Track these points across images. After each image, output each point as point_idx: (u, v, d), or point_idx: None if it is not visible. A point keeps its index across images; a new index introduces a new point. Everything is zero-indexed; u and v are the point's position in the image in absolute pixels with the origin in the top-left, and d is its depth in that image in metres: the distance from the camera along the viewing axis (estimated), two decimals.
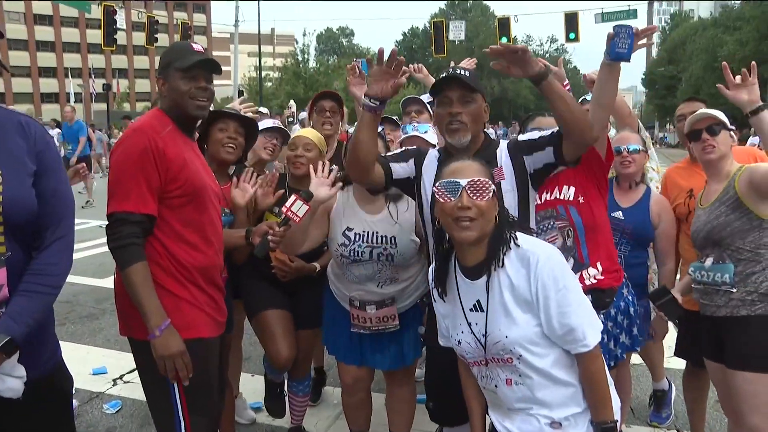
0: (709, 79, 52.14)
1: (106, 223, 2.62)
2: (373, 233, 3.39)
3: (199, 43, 2.99)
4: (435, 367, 3.12)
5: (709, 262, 3.12)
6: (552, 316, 2.22)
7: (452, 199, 2.27)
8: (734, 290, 3.03)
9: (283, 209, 3.13)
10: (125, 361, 5.29)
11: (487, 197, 2.25)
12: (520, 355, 2.25)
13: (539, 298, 2.22)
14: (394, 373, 3.68)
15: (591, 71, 3.54)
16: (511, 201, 2.77)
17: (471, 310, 2.36)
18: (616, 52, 2.78)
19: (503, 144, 2.98)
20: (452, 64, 4.33)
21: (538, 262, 2.23)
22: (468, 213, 2.24)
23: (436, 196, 2.32)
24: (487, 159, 2.81)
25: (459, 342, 2.42)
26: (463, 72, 2.88)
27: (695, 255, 3.32)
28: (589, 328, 2.26)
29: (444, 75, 2.89)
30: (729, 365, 3.07)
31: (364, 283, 3.46)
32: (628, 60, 2.78)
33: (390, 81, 2.66)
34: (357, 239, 3.40)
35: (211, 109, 3.25)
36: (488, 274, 2.30)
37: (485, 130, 3.09)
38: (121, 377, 5.32)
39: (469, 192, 2.25)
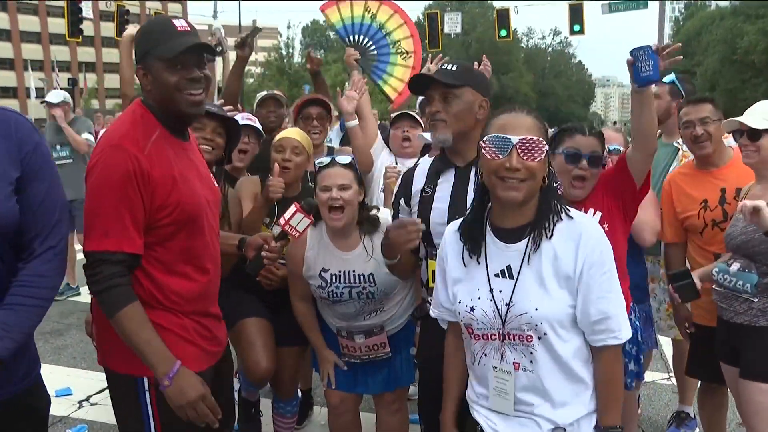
0: (727, 73, 52.39)
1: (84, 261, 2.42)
2: (349, 272, 3.39)
3: (181, 18, 2.60)
4: (428, 384, 3.10)
5: (735, 267, 3.17)
6: (591, 300, 2.18)
7: (500, 156, 2.19)
8: (755, 300, 3.10)
9: (281, 222, 2.97)
10: (92, 381, 5.27)
11: (539, 158, 2.19)
12: (545, 334, 2.18)
13: (582, 276, 2.19)
14: (384, 397, 3.68)
15: None
16: None
17: (497, 275, 2.28)
18: (642, 77, 2.79)
19: None
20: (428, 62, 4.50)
21: (590, 237, 2.21)
22: (517, 174, 2.19)
23: (483, 151, 2.25)
24: None
25: (472, 309, 2.30)
26: (449, 67, 2.91)
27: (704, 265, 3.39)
28: (625, 320, 2.24)
29: (418, 74, 2.99)
30: (743, 375, 3.14)
31: (349, 319, 3.50)
32: (658, 80, 2.81)
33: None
34: (334, 280, 3.40)
35: None
36: (531, 239, 2.23)
37: None
38: (87, 399, 5.29)
39: (519, 151, 2.18)
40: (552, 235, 2.22)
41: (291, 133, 3.92)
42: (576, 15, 23.59)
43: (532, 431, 2.25)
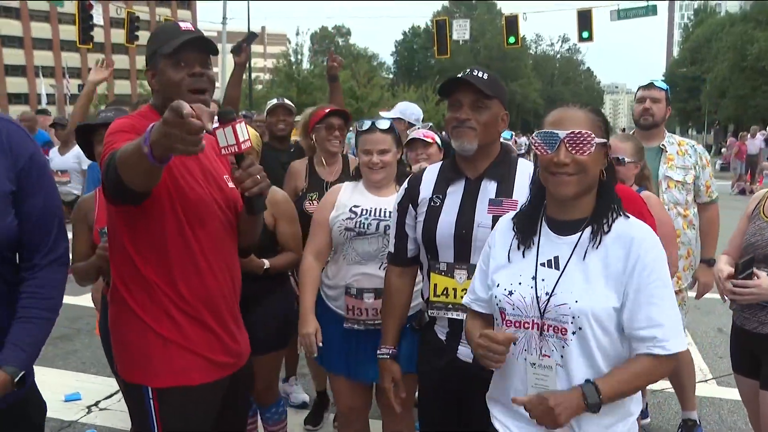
0: (737, 80, 52.26)
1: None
2: (380, 209, 3.47)
3: (187, 21, 2.69)
4: (428, 394, 3.03)
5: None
6: (641, 304, 2.10)
7: (549, 152, 2.18)
8: None
9: (233, 149, 2.28)
10: (102, 385, 5.27)
11: (588, 151, 2.15)
12: (581, 328, 2.13)
13: (634, 278, 2.11)
14: (389, 407, 3.63)
15: None
16: None
17: (542, 264, 2.24)
18: None
19: (527, 168, 2.82)
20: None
21: (644, 242, 2.15)
22: (566, 169, 2.16)
23: (534, 147, 2.23)
24: (499, 178, 2.79)
25: (510, 293, 2.25)
26: (480, 74, 2.77)
27: None
28: (677, 333, 2.13)
29: (457, 76, 2.79)
30: (763, 386, 3.08)
31: (366, 262, 3.46)
32: None
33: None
34: (364, 213, 3.49)
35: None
36: (591, 233, 2.19)
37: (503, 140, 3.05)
38: (96, 404, 5.28)
39: (567, 145, 2.16)
40: (609, 230, 2.19)
41: None
42: (585, 21, 23.55)
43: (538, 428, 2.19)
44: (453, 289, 2.78)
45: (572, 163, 2.15)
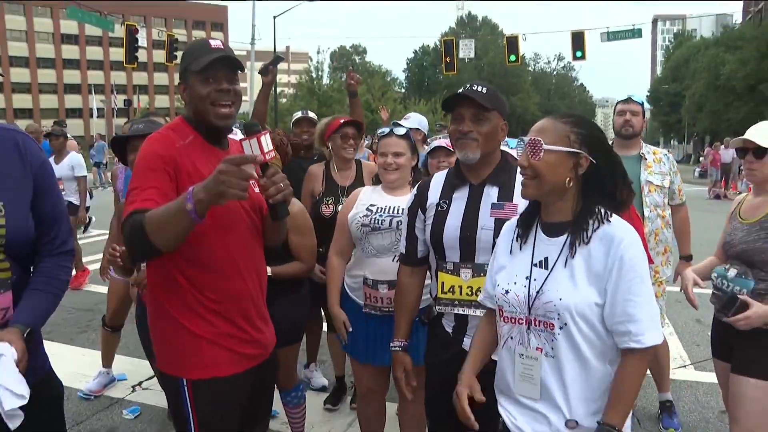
0: (712, 96, 52.08)
1: None
2: (394, 207, 3.51)
3: (217, 39, 2.62)
4: (435, 385, 2.96)
5: (732, 273, 3.09)
6: (617, 300, 2.07)
7: (519, 156, 2.19)
8: None
9: (259, 159, 2.27)
10: (144, 368, 5.29)
11: (537, 156, 2.11)
12: (566, 324, 2.09)
13: (612, 275, 2.07)
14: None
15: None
16: None
17: (535, 265, 2.21)
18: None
19: None
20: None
21: (623, 241, 2.09)
22: (526, 171, 2.15)
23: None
24: (500, 184, 2.77)
25: (506, 292, 2.24)
26: (479, 89, 2.74)
27: None
28: (651, 327, 2.07)
29: (457, 92, 2.78)
30: (734, 370, 3.07)
31: (381, 255, 3.48)
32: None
33: None
34: (379, 211, 3.53)
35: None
36: (569, 240, 2.15)
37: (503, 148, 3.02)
38: (140, 384, 5.33)
39: (527, 150, 2.15)
40: (589, 240, 2.13)
41: None
42: (578, 42, 23.51)
43: (548, 423, 2.16)
44: (459, 286, 2.78)
45: (529, 166, 2.15)
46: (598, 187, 2.18)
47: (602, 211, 2.17)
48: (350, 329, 3.65)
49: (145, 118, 3.92)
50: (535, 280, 2.18)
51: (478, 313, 2.66)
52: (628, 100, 4.58)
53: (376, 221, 3.50)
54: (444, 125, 7.36)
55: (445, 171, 3.01)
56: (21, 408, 1.95)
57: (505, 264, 2.33)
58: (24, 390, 1.96)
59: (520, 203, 2.59)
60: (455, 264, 2.78)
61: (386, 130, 3.66)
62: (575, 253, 2.13)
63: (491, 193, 2.77)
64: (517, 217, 2.38)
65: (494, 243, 2.56)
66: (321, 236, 4.14)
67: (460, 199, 2.82)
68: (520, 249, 2.29)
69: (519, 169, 2.74)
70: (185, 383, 2.48)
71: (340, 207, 4.35)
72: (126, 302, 5.04)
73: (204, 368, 2.47)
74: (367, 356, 3.61)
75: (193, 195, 2.07)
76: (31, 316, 2.16)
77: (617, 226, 2.15)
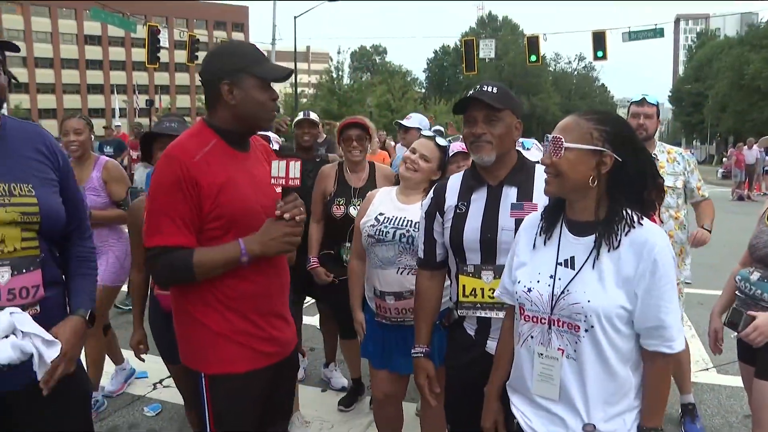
0: (736, 96, 51.55)
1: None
2: (400, 218, 3.48)
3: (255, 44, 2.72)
4: (455, 389, 2.93)
5: (755, 276, 3.07)
6: (650, 305, 2.04)
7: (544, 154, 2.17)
8: None
9: (282, 183, 2.39)
10: (165, 366, 5.33)
11: (557, 155, 2.09)
12: (592, 326, 2.06)
13: (645, 279, 2.04)
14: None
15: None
16: None
17: (560, 264, 2.17)
18: None
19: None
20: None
21: (656, 246, 2.05)
22: (549, 170, 2.14)
23: None
24: (518, 184, 2.72)
25: (529, 290, 2.20)
26: (489, 89, 2.68)
27: None
28: (680, 333, 2.09)
29: (467, 94, 2.73)
30: (757, 375, 3.04)
31: (386, 266, 3.47)
32: None
33: None
34: (385, 221, 3.51)
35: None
36: (597, 243, 2.10)
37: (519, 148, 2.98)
38: (161, 381, 5.36)
39: (550, 149, 2.13)
40: (618, 245, 2.09)
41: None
42: (599, 42, 23.31)
43: (564, 427, 2.14)
44: (481, 289, 2.73)
45: (551, 165, 2.12)
46: (625, 186, 2.12)
47: (631, 214, 2.11)
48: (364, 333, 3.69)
49: (177, 117, 3.88)
50: (560, 279, 2.14)
51: (501, 315, 2.63)
52: (642, 102, 4.48)
53: (381, 233, 3.48)
54: (442, 129, 7.35)
55: (462, 173, 2.95)
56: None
57: (527, 260, 2.29)
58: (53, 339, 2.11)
59: (540, 202, 2.57)
60: (476, 266, 2.73)
61: (430, 133, 3.65)
62: (604, 255, 2.10)
63: (510, 194, 2.73)
64: (540, 211, 2.34)
65: None
66: (332, 237, 4.14)
67: (478, 200, 2.77)
68: (544, 244, 2.25)
69: (537, 167, 2.73)
70: (203, 377, 2.52)
71: (351, 208, 4.38)
72: (102, 305, 4.70)
73: (221, 364, 2.50)
74: (382, 361, 3.62)
75: (248, 251, 2.38)
76: (86, 301, 2.36)
77: (649, 230, 2.11)
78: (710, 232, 4.43)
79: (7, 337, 1.95)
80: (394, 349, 3.55)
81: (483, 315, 2.75)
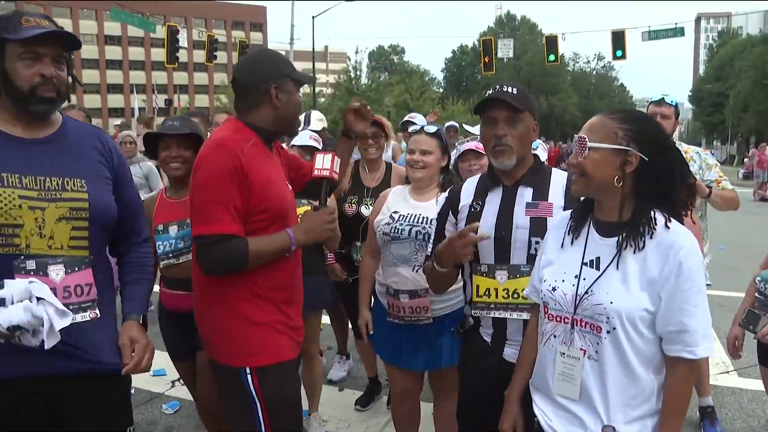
0: (758, 95, 50.99)
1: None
2: (415, 215, 3.47)
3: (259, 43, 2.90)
4: (468, 395, 2.89)
5: None
6: (673, 309, 2.01)
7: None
8: None
9: (323, 174, 2.79)
10: None
11: (582, 155, 2.09)
12: (614, 328, 2.04)
13: (669, 282, 2.01)
14: (440, 386, 3.64)
15: None
16: None
17: (585, 264, 2.15)
18: None
19: (561, 176, 2.75)
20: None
21: (682, 249, 2.01)
22: (575, 170, 2.13)
23: None
24: (534, 185, 2.70)
25: (554, 289, 2.19)
26: (510, 89, 2.66)
27: None
28: (705, 339, 2.04)
29: (489, 94, 2.70)
30: None
31: (401, 264, 3.47)
32: None
33: None
34: (400, 219, 3.50)
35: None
36: (621, 245, 2.08)
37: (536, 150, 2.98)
38: (179, 379, 5.35)
39: (576, 149, 2.13)
40: (644, 247, 2.06)
41: None
42: (618, 41, 23.15)
43: (583, 428, 2.12)
44: (495, 289, 2.68)
45: (576, 165, 2.12)
46: (652, 186, 2.09)
47: (656, 216, 2.08)
48: (371, 332, 3.69)
49: (178, 116, 3.93)
50: (584, 279, 2.13)
51: (515, 316, 2.63)
52: (660, 102, 4.44)
53: (396, 230, 3.47)
54: (457, 125, 7.28)
55: (478, 176, 2.94)
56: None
57: (554, 259, 2.28)
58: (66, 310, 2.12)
59: (555, 202, 2.60)
60: (490, 266, 2.70)
61: (417, 127, 3.64)
62: (629, 257, 2.07)
63: (525, 194, 2.71)
64: (570, 210, 2.33)
65: (529, 242, 2.56)
66: (343, 235, 4.15)
67: (493, 200, 2.75)
68: (571, 244, 2.24)
69: (553, 171, 2.74)
70: (248, 372, 2.53)
71: (362, 207, 4.39)
72: None
73: (269, 353, 2.57)
74: (393, 359, 3.63)
75: (297, 241, 2.57)
76: (138, 307, 2.42)
77: (677, 232, 2.07)
78: (710, 194, 4.31)
79: (21, 301, 1.99)
80: (405, 347, 3.55)
81: (497, 315, 2.70)
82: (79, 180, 2.23)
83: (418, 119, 6.54)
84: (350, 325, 4.94)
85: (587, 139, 2.09)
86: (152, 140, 3.56)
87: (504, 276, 2.67)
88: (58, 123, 2.29)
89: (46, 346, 2.03)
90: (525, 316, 2.60)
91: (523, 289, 2.50)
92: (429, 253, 2.95)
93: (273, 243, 2.52)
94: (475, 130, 6.58)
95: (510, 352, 2.66)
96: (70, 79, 2.28)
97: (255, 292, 2.55)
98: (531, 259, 2.55)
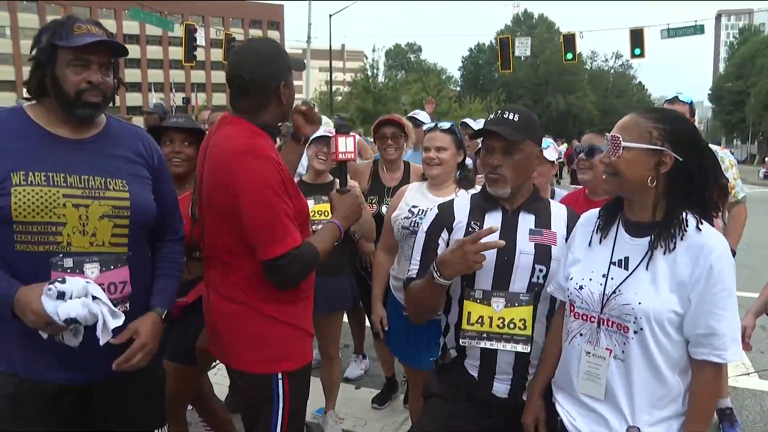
0: None
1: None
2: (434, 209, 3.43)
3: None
4: (429, 418, 2.66)
5: None
6: (701, 312, 1.98)
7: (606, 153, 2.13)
8: None
9: (346, 155, 2.81)
10: None
11: (615, 154, 2.06)
12: (641, 329, 2.02)
13: (699, 285, 1.99)
14: None
15: None
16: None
17: (613, 263, 2.13)
18: None
19: (562, 209, 2.67)
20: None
21: (713, 252, 1.99)
22: (607, 169, 2.11)
23: None
24: (536, 212, 2.59)
25: (581, 288, 2.17)
26: (511, 116, 2.50)
27: None
28: (733, 343, 2.01)
29: (489, 120, 2.57)
30: None
31: None
32: None
33: None
34: (419, 213, 3.50)
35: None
36: (652, 245, 2.06)
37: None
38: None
39: (609, 148, 2.10)
40: (674, 248, 2.04)
41: None
42: (636, 39, 22.99)
43: (608, 428, 2.11)
44: (489, 317, 2.48)
45: (609, 164, 2.10)
46: (686, 187, 2.07)
47: (688, 218, 2.06)
48: (386, 328, 3.69)
49: (184, 114, 3.96)
50: (612, 279, 2.12)
51: (509, 347, 2.47)
52: (675, 100, 4.44)
53: (416, 224, 3.46)
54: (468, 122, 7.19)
55: (470, 194, 2.85)
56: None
57: (581, 257, 2.27)
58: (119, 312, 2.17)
59: (558, 232, 2.54)
60: (485, 292, 2.49)
61: (432, 124, 3.64)
62: (659, 258, 2.06)
63: (528, 220, 2.58)
64: (599, 208, 2.32)
65: (533, 269, 2.48)
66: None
67: (492, 223, 2.57)
68: (600, 243, 2.23)
69: (552, 203, 2.70)
70: (280, 377, 2.50)
71: (384, 207, 4.37)
72: None
73: (300, 357, 2.57)
74: (406, 356, 3.65)
75: (343, 227, 2.62)
76: (165, 301, 2.43)
77: (708, 234, 2.05)
78: (734, 254, 4.30)
79: (79, 297, 2.04)
80: (418, 345, 3.54)
81: (488, 346, 2.49)
82: (120, 180, 2.29)
83: (421, 116, 6.50)
84: (369, 325, 4.95)
85: (621, 139, 2.07)
86: (156, 136, 3.59)
87: (501, 303, 2.48)
88: (102, 124, 2.36)
89: (101, 342, 2.10)
90: (519, 348, 2.46)
91: (521, 319, 2.43)
92: (412, 276, 2.69)
93: (328, 236, 2.56)
94: (477, 125, 6.55)
95: (501, 388, 2.53)
96: (116, 82, 2.33)
97: (292, 293, 2.50)
98: (532, 287, 2.47)
